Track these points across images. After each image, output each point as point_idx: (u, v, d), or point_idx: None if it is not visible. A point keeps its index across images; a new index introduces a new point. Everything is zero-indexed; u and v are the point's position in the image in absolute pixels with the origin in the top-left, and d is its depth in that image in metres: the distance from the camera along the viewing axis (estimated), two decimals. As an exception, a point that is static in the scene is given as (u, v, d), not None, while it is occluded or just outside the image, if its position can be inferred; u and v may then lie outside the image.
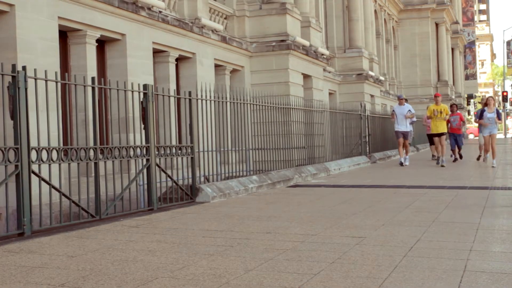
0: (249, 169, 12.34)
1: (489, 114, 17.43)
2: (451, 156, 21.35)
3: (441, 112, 18.39)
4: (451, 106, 21.22)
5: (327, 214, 8.01)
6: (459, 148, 21.12)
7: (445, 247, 5.52)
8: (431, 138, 20.87)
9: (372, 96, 31.10)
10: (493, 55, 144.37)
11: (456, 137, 20.88)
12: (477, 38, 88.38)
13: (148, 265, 4.90)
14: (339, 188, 11.69)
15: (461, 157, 21.20)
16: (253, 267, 4.78)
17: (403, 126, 19.34)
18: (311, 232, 6.49)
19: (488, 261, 4.96)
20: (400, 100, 19.83)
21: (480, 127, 18.20)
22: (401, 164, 18.70)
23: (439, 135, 18.46)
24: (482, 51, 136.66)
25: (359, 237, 6.11)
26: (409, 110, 19.43)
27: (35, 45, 10.11)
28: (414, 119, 21.65)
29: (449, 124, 20.46)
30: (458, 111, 21.66)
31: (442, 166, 17.64)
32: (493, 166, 16.72)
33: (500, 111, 19.09)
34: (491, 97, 17.96)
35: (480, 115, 17.85)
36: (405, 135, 19.33)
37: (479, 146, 20.43)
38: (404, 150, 19.42)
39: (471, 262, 4.86)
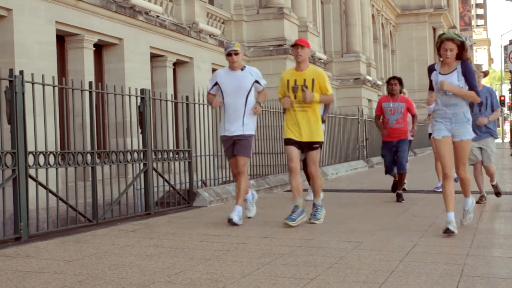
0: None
1: (442, 77, 6.57)
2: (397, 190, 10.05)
3: (304, 89, 7.30)
4: (389, 81, 10.28)
5: (324, 218, 8.00)
6: (401, 175, 10.00)
7: (442, 251, 5.53)
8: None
9: (369, 100, 31.14)
10: (491, 60, 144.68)
11: (397, 148, 9.99)
12: (475, 43, 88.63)
13: (145, 270, 4.90)
14: (337, 193, 11.69)
15: (401, 193, 9.95)
16: (250, 272, 4.78)
17: (235, 123, 7.70)
18: (308, 236, 6.49)
19: (485, 266, 4.96)
20: (230, 56, 7.73)
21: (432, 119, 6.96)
22: (230, 221, 7.35)
23: (306, 147, 7.52)
24: (479, 55, 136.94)
25: (356, 241, 6.11)
26: (257, 82, 7.75)
27: (33, 49, 10.12)
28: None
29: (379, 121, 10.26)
30: (403, 93, 10.62)
31: (288, 225, 7.16)
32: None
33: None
34: (448, 39, 6.47)
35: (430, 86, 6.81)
36: (241, 144, 7.68)
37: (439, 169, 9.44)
38: (241, 186, 7.72)
39: (468, 267, 4.86)
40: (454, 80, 6.48)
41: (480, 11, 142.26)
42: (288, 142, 7.51)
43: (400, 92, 10.24)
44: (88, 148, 7.93)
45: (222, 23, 18.87)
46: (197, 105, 10.28)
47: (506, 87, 70.88)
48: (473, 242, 5.98)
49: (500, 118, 68.57)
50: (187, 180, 9.67)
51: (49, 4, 10.66)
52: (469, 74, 6.53)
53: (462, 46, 6.49)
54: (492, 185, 9.63)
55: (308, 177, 9.90)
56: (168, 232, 7.00)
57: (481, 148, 9.21)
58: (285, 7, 19.51)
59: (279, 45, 18.70)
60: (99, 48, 12.78)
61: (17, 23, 9.89)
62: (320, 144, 7.58)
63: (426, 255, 5.37)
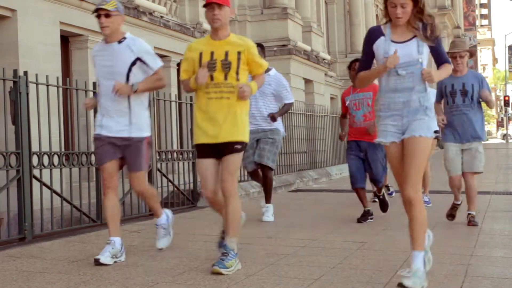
0: (250, 173, 12.32)
1: (395, 46, 4.30)
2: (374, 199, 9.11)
3: (226, 65, 4.98)
4: (350, 65, 7.96)
5: (328, 219, 8.01)
6: (377, 183, 7.85)
7: (446, 252, 5.52)
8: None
9: (373, 100, 31.12)
10: (495, 60, 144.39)
11: (367, 156, 7.63)
12: (479, 43, 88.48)
13: (149, 270, 4.90)
14: (340, 193, 11.68)
15: (384, 207, 8.07)
16: (254, 272, 4.78)
17: (119, 119, 5.31)
18: (312, 237, 6.49)
19: (489, 266, 4.96)
20: (99, 19, 5.22)
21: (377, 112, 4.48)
22: (96, 261, 5.06)
23: (223, 149, 5.03)
24: (484, 55, 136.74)
25: (360, 242, 6.10)
26: (140, 60, 5.32)
27: (37, 50, 10.13)
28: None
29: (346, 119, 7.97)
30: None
31: (219, 272, 4.68)
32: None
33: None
34: None
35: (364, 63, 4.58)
36: (130, 153, 5.38)
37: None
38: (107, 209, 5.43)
39: (472, 267, 4.86)
40: (413, 51, 4.31)
41: (485, 11, 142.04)
42: (200, 151, 5.12)
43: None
44: (92, 148, 7.93)
45: (226, 23, 18.88)
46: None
47: (510, 87, 70.77)
48: (477, 242, 5.97)
49: (505, 118, 68.39)
50: (191, 181, 9.68)
51: (53, 5, 10.68)
52: (438, 48, 4.38)
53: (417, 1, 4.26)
54: (468, 214, 7.12)
55: (263, 181, 7.99)
56: (172, 232, 7.00)
57: (463, 152, 7.02)
58: (289, 7, 19.49)
59: (283, 45, 18.68)
60: (103, 49, 12.79)
61: (21, 23, 9.90)
62: (243, 145, 5.12)
63: (430, 255, 5.36)
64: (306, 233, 6.75)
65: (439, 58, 4.42)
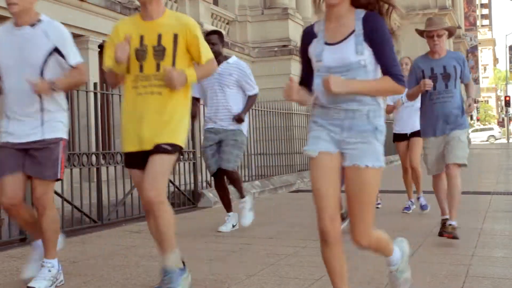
0: (251, 174, 12.33)
1: (329, 50, 3.21)
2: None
3: (159, 53, 3.97)
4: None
5: (329, 219, 7.99)
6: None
7: (447, 252, 5.52)
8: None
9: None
10: (496, 60, 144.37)
11: None
12: (480, 43, 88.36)
13: (150, 271, 4.91)
14: (341, 193, 11.69)
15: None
16: (254, 273, 4.78)
17: (28, 121, 4.31)
18: (313, 237, 6.47)
19: (490, 266, 4.96)
20: None
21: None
22: None
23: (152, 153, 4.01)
24: (484, 55, 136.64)
25: (361, 242, 6.09)
26: (57, 51, 4.24)
27: (38, 50, 10.14)
28: None
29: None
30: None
31: None
32: None
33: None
34: None
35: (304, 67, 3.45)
36: (41, 156, 4.28)
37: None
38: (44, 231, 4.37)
39: (472, 268, 4.86)
40: (349, 53, 3.18)
41: (485, 11, 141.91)
42: (129, 162, 4.23)
43: None
44: (93, 149, 7.94)
45: (227, 23, 18.88)
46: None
47: (511, 87, 70.74)
48: (478, 243, 5.97)
49: (506, 118, 68.34)
50: (192, 181, 9.68)
51: (53, 5, 10.69)
52: (380, 37, 3.38)
53: None
54: (449, 225, 5.82)
55: (231, 184, 7.21)
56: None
57: (445, 145, 5.96)
58: (290, 7, 19.51)
59: (284, 46, 18.71)
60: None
61: (22, 24, 9.92)
62: (176, 148, 4.05)
63: (431, 255, 5.36)
64: (307, 233, 6.74)
65: (381, 64, 3.27)
